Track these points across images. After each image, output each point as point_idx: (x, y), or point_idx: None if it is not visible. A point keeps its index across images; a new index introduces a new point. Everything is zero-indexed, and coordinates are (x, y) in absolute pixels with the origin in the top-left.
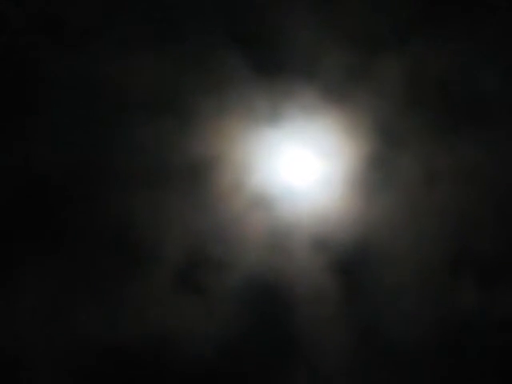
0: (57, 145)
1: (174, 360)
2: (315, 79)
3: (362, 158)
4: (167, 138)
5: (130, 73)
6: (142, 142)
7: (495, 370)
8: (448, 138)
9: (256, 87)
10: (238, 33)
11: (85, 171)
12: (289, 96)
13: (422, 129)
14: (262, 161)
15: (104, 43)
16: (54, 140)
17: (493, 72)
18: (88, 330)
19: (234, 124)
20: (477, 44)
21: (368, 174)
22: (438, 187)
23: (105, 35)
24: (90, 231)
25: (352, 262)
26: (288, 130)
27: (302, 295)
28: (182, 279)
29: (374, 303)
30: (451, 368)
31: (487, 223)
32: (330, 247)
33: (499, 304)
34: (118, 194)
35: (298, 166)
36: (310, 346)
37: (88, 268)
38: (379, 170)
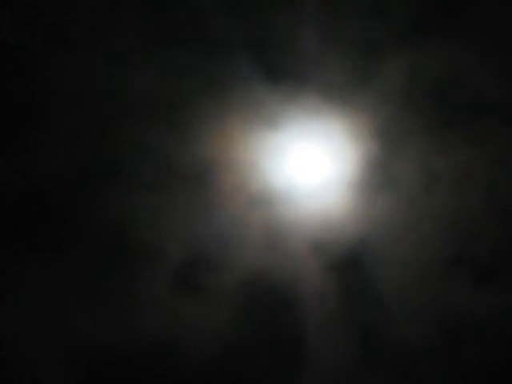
0: (59, 147)
1: (174, 362)
2: (317, 82)
3: (363, 160)
4: (170, 139)
5: (133, 75)
6: (144, 143)
7: (495, 366)
8: (447, 141)
9: (259, 90)
10: (243, 36)
11: (86, 173)
12: (291, 99)
13: (422, 132)
14: (263, 163)
15: (106, 46)
16: (56, 142)
17: (491, 75)
18: (86, 332)
19: (236, 126)
20: (475, 47)
21: (368, 177)
22: (437, 190)
23: (107, 38)
24: (90, 233)
25: (352, 263)
26: (290, 132)
27: (303, 296)
28: (183, 280)
29: (375, 304)
30: (452, 366)
31: (485, 225)
32: (330, 248)
33: (496, 303)
34: (119, 196)
35: (300, 169)
36: (311, 346)
37: (87, 269)
38: (379, 173)
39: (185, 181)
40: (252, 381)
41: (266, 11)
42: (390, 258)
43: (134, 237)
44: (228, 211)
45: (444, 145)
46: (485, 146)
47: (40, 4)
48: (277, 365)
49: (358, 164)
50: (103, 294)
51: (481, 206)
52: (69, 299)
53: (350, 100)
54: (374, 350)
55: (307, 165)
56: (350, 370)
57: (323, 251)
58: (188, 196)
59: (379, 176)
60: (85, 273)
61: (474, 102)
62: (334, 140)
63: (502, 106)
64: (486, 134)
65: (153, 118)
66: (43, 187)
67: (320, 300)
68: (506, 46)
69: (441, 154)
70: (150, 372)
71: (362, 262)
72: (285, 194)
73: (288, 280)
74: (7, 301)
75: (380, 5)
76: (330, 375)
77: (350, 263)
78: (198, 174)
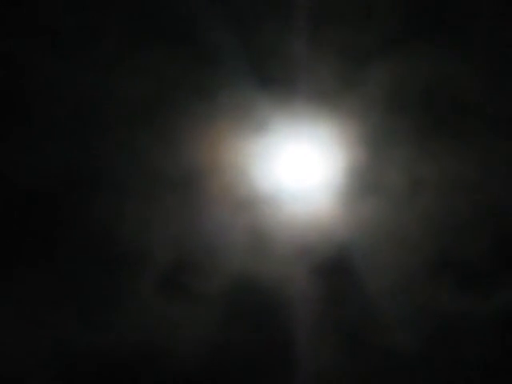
0: (46, 153)
1: (161, 366)
2: (305, 87)
3: (350, 164)
4: (158, 143)
5: (121, 81)
6: (132, 147)
7: (483, 370)
8: (434, 146)
9: (247, 94)
10: (232, 40)
11: (74, 179)
12: (279, 104)
13: (409, 137)
14: (251, 167)
15: (93, 52)
16: (43, 149)
17: (478, 80)
18: (74, 336)
19: (224, 130)
20: (462, 52)
21: (355, 181)
22: (423, 195)
23: (94, 43)
24: (77, 237)
25: (339, 267)
26: (278, 137)
27: (290, 300)
28: (170, 284)
29: (361, 308)
30: (439, 370)
31: (471, 229)
32: (317, 252)
33: (483, 307)
34: (106, 201)
35: (288, 173)
36: (298, 349)
37: (74, 273)
38: (366, 177)
39: (173, 184)
40: (238, 382)
41: (256, 16)
42: (376, 262)
43: (122, 241)
44: (216, 215)
45: (431, 150)
46: (471, 151)
47: (27, 11)
48: (264, 368)
49: (345, 168)
50: (90, 297)
51: (467, 211)
52: (55, 303)
53: (338, 105)
54: (361, 354)
55: (295, 169)
56: (337, 373)
57: (310, 255)
58: (176, 200)
59: (366, 181)
60: (72, 277)
61: (460, 107)
62: (322, 144)
63: (489, 111)
64: (472, 139)
65: (141, 123)
66: (30, 193)
67: (307, 303)
68: (493, 50)
69: (427, 159)
70: (137, 376)
71: (348, 266)
72: (272, 198)
73: (275, 283)
74: None
75: (368, 10)
76: (316, 378)
77: (336, 267)
78: (186, 177)
